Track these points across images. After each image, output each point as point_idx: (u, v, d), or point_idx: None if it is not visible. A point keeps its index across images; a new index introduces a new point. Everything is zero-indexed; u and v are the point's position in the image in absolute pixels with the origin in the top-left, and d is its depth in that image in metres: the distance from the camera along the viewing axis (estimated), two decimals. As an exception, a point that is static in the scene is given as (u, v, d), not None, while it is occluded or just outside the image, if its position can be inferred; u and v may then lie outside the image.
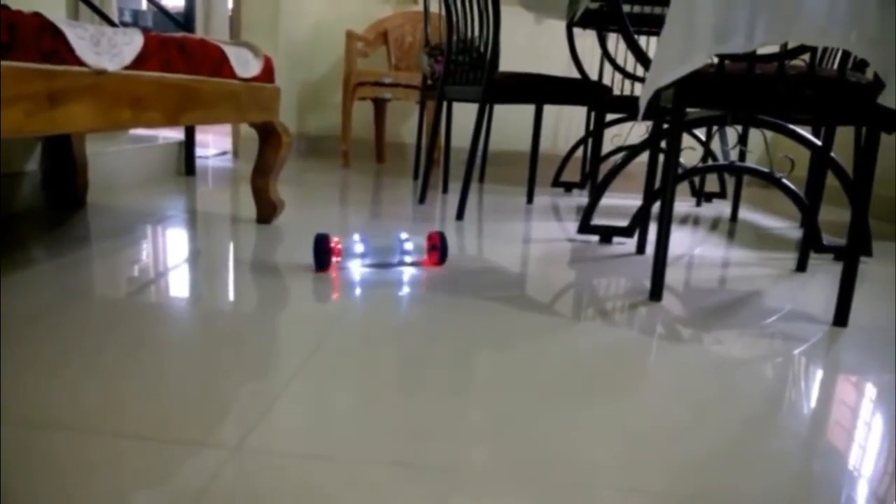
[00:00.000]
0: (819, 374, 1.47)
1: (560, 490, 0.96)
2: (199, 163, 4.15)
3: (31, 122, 1.42)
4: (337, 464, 1.00)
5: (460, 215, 3.03)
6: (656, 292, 1.91)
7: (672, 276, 2.22)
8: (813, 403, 1.31)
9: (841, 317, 1.78)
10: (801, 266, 2.41)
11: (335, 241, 2.01)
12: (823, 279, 2.31)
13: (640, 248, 2.56)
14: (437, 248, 2.10)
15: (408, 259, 2.08)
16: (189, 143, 3.83)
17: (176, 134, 3.97)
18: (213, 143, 5.23)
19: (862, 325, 1.79)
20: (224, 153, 5.00)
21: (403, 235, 2.08)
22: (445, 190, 3.84)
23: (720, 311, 1.86)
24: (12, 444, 0.99)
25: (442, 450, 1.05)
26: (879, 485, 1.03)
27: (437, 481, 0.96)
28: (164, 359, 1.33)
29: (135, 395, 1.17)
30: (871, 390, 1.39)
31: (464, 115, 4.66)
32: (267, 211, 2.65)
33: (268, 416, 1.13)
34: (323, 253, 1.96)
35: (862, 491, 1.01)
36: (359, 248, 2.03)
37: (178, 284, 1.81)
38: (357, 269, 2.04)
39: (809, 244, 2.44)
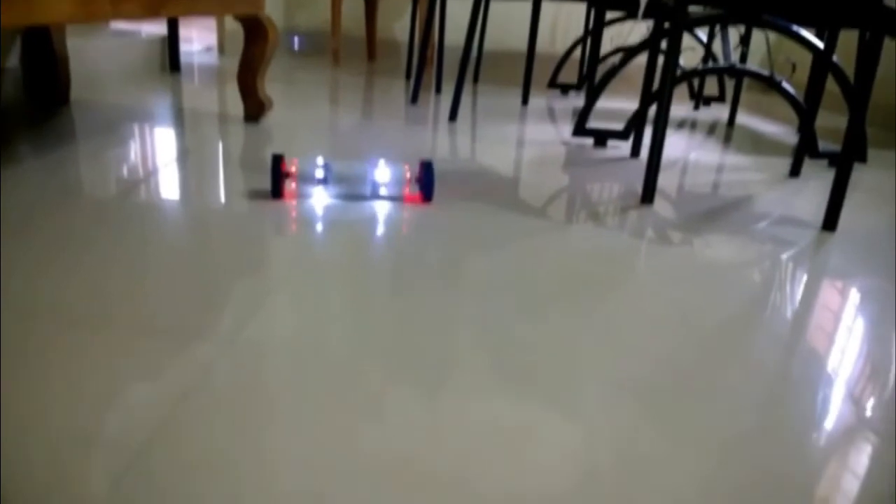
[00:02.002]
0: (803, 277, 1.49)
1: (546, 386, 0.99)
2: (184, 59, 4.02)
3: (8, 14, 1.35)
4: (328, 359, 1.02)
5: (453, 116, 2.98)
6: (648, 196, 1.91)
7: (665, 180, 2.21)
8: (795, 306, 1.34)
9: (830, 221, 1.79)
10: (795, 171, 2.40)
11: (292, 165, 1.73)
12: (816, 185, 2.31)
13: (635, 152, 2.53)
14: (421, 182, 1.80)
15: (383, 192, 1.79)
16: (173, 39, 3.70)
17: (159, 29, 3.82)
18: (198, 39, 5.05)
19: (850, 231, 1.80)
20: (209, 49, 4.83)
21: (379, 165, 1.75)
22: (439, 90, 3.76)
23: (711, 215, 1.87)
24: (5, 335, 1.01)
25: (432, 346, 1.08)
26: (856, 386, 1.06)
27: (427, 376, 0.99)
28: (155, 256, 1.33)
29: (125, 291, 1.18)
30: (853, 295, 1.42)
31: (459, 10, 4.49)
32: (254, 109, 2.59)
33: (260, 313, 1.14)
34: (276, 177, 1.72)
35: (838, 391, 1.05)
36: (319, 173, 1.74)
37: (166, 184, 1.79)
38: (321, 198, 1.77)
39: (805, 149, 2.42)
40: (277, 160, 1.71)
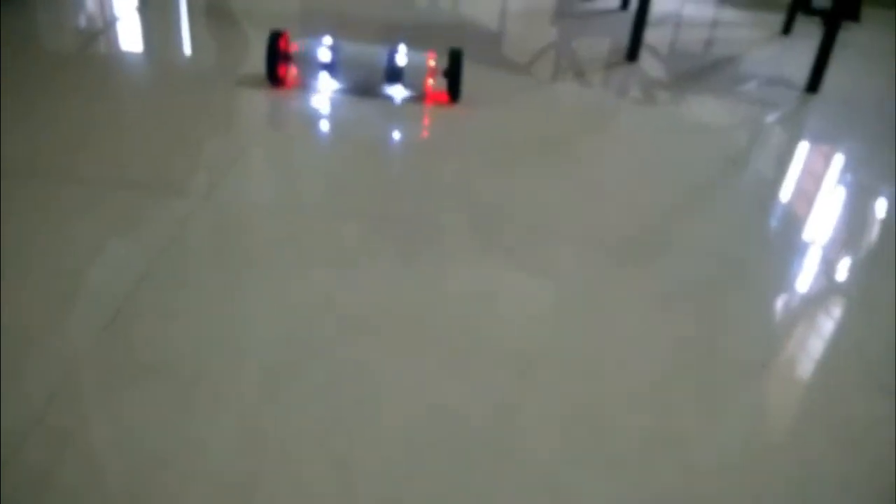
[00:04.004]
0: (779, 140, 1.50)
1: (520, 243, 1.02)
2: None
3: None
4: (308, 217, 1.04)
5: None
6: (633, 52, 1.86)
7: (655, 36, 2.15)
8: (767, 168, 1.36)
9: (814, 83, 1.77)
10: (787, 29, 2.34)
11: (293, 45, 1.41)
12: (806, 44, 2.25)
13: (624, 4, 2.44)
14: (447, 78, 1.45)
15: (399, 89, 1.48)
16: None
17: None
18: None
19: (833, 92, 1.79)
20: None
21: (399, 51, 1.43)
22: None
23: (696, 74, 1.84)
24: (-13, 190, 1.01)
25: (408, 206, 1.09)
26: (823, 248, 1.11)
27: (404, 232, 1.02)
28: (128, 111, 1.31)
29: (101, 146, 1.17)
30: (824, 158, 1.44)
31: None
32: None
33: (235, 169, 1.14)
34: (271, 59, 1.42)
35: (805, 251, 1.09)
36: (324, 55, 1.42)
37: (132, 35, 1.71)
38: (324, 89, 1.46)
39: (798, 6, 2.35)
40: (275, 39, 1.42)
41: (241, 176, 1.12)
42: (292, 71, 1.46)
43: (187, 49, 1.64)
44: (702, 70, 1.88)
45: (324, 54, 1.42)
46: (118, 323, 0.79)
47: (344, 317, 0.83)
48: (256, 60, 1.61)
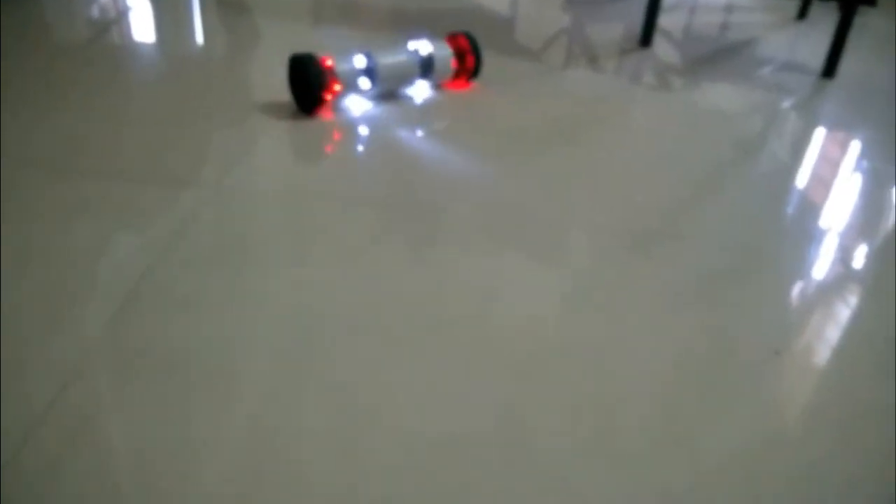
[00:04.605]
0: (794, 127, 1.49)
1: (530, 232, 1.02)
2: None
3: None
4: (323, 202, 1.04)
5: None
6: (646, 38, 1.85)
7: (670, 20, 2.13)
8: (782, 153, 1.35)
9: (830, 68, 1.75)
10: (802, 13, 2.31)
11: (326, 62, 1.28)
12: (821, 28, 2.23)
13: (638, -10, 2.41)
14: (466, 58, 1.44)
15: (425, 85, 1.45)
16: None
17: None
18: None
19: (849, 78, 1.77)
20: None
21: (421, 45, 1.40)
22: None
23: (710, 59, 1.82)
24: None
25: (419, 195, 1.10)
26: (838, 235, 1.10)
27: (415, 222, 1.02)
28: (137, 102, 1.31)
29: (111, 137, 1.17)
30: (840, 145, 1.43)
31: None
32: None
33: (246, 158, 1.15)
34: (313, 86, 1.26)
35: (820, 239, 1.09)
36: (364, 83, 1.34)
37: (144, 27, 1.72)
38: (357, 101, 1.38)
39: (815, -11, 2.32)
40: (306, 63, 1.24)
41: (251, 166, 1.13)
42: (333, 92, 1.31)
43: (198, 38, 1.64)
44: (716, 55, 1.86)
45: (362, 78, 1.34)
46: (124, 315, 0.79)
47: (354, 308, 0.83)
48: (267, 50, 1.61)
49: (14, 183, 1.01)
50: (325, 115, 1.30)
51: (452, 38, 1.45)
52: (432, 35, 1.44)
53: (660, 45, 1.89)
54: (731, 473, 0.66)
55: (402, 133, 1.28)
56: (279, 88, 1.37)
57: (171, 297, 0.82)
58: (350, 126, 1.28)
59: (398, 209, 1.04)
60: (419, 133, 1.29)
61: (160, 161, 1.11)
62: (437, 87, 1.47)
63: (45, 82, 1.33)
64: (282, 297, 0.84)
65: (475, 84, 1.48)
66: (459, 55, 1.44)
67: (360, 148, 1.21)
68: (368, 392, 0.71)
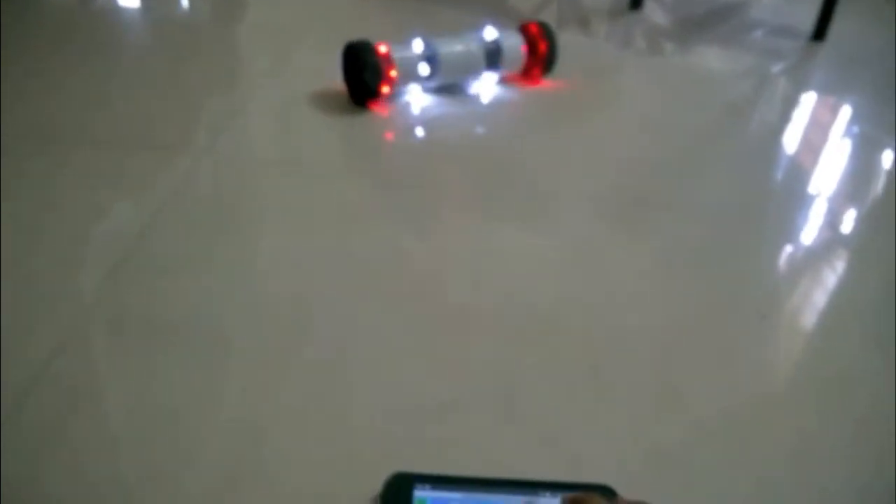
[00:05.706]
0: (784, 90, 1.49)
1: (520, 200, 1.03)
2: None
3: None
4: (309, 174, 1.04)
5: None
6: (636, 0, 1.83)
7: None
8: (772, 117, 1.35)
9: (820, 31, 1.74)
10: (794, -26, 2.28)
11: (382, 50, 1.17)
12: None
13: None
14: (539, 47, 1.31)
15: (493, 75, 1.32)
16: None
17: None
18: None
19: (840, 41, 1.77)
20: None
21: (488, 34, 1.28)
22: None
23: (701, 21, 1.81)
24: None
25: (412, 172, 1.10)
26: (834, 202, 1.11)
27: (409, 201, 1.02)
28: (127, 68, 1.30)
29: (101, 104, 1.16)
30: (836, 107, 1.43)
31: None
32: None
33: (236, 123, 1.14)
34: (371, 75, 1.16)
35: (819, 205, 1.10)
36: (423, 69, 1.21)
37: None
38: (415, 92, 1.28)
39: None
40: (362, 50, 1.15)
41: (246, 130, 1.12)
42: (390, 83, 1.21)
43: (188, 2, 1.61)
44: (707, 17, 1.85)
45: (422, 65, 1.22)
46: (121, 272, 0.80)
47: (350, 274, 0.84)
48: (258, 9, 1.59)
49: (9, 152, 1.00)
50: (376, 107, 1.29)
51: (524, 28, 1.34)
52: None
53: (650, 7, 1.87)
54: (719, 432, 0.69)
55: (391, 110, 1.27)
56: (264, 53, 1.36)
57: (170, 256, 0.82)
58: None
59: (392, 180, 1.05)
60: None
61: (152, 126, 1.10)
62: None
63: (36, 48, 1.31)
64: (275, 263, 0.84)
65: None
66: (530, 40, 1.32)
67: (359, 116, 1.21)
68: (362, 357, 0.73)
